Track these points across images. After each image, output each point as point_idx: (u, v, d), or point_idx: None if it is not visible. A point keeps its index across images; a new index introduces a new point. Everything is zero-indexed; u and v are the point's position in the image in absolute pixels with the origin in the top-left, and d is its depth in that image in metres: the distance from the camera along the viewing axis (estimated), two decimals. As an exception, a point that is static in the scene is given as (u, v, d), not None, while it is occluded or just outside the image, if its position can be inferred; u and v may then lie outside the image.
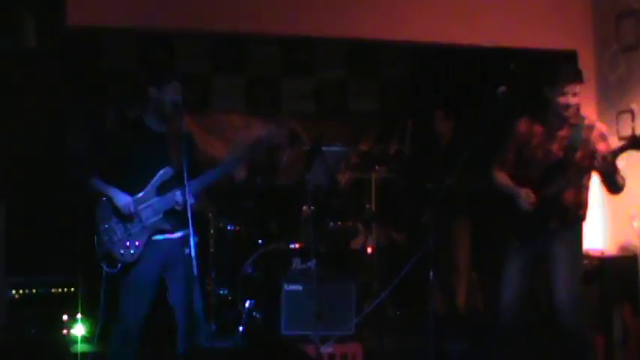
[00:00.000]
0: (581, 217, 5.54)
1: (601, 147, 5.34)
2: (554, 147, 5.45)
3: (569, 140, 5.41)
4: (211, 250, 7.28)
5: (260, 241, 7.28)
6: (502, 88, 5.40)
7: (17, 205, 6.63)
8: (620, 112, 7.43)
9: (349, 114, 8.60)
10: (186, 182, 5.04)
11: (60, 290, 6.43)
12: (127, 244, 5.25)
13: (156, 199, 5.32)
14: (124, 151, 5.33)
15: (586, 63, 7.94)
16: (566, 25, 7.98)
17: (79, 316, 6.37)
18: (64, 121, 7.10)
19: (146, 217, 5.31)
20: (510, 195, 5.46)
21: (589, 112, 7.82)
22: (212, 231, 7.29)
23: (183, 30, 7.59)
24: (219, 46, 8.33)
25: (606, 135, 5.38)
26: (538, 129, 5.53)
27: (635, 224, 6.62)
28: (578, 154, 5.35)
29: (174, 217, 5.33)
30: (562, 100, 5.34)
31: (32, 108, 6.86)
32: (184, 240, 5.22)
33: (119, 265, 5.22)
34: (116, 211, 5.27)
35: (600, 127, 5.51)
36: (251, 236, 7.42)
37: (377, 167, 7.38)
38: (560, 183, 5.34)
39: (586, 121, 5.51)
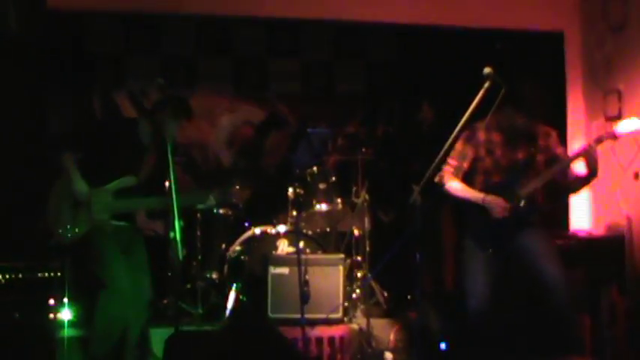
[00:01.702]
0: (541, 218, 5.68)
1: (559, 151, 5.60)
2: (519, 154, 5.58)
3: (530, 145, 5.58)
4: (198, 233, 7.27)
5: (246, 224, 7.26)
6: (488, 70, 5.41)
7: (2, 190, 6.60)
8: (607, 92, 7.41)
9: (336, 96, 8.57)
10: (171, 170, 5.08)
11: (46, 274, 6.38)
12: (68, 227, 5.41)
13: (111, 199, 5.49)
14: (98, 134, 5.41)
15: (573, 42, 7.94)
16: (552, 5, 7.95)
17: (65, 300, 6.34)
18: (46, 106, 7.07)
19: (96, 212, 5.40)
20: (476, 202, 5.52)
21: (576, 92, 7.86)
22: (198, 215, 7.27)
23: (169, 12, 7.55)
24: (204, 29, 8.29)
25: (593, 145, 5.40)
26: (496, 137, 5.62)
27: (621, 203, 6.61)
28: (540, 157, 5.56)
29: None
30: (518, 117, 5.53)
31: (14, 94, 6.81)
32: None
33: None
34: (71, 194, 5.42)
35: (555, 133, 5.66)
36: (237, 219, 7.39)
37: (363, 149, 7.35)
38: (526, 185, 5.47)
39: (542, 128, 5.65)
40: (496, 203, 5.45)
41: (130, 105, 5.83)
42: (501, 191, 5.48)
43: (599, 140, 5.35)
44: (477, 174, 5.61)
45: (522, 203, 5.44)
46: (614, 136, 5.35)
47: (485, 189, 5.53)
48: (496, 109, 5.32)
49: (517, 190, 5.45)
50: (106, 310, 5.49)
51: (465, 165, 5.64)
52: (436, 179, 5.48)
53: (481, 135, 5.55)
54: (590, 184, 5.57)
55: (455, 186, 5.62)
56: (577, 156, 5.40)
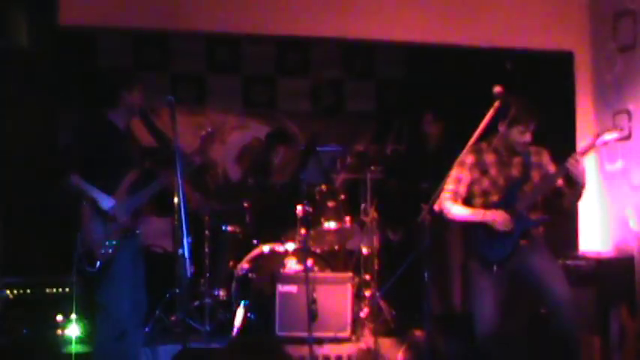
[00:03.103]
0: (542, 235, 5.66)
1: (551, 169, 5.59)
2: (514, 172, 5.60)
3: (525, 163, 5.59)
4: (206, 250, 7.27)
5: (255, 242, 7.25)
6: (497, 89, 5.45)
7: (12, 206, 6.61)
8: (617, 112, 7.41)
9: (345, 114, 8.59)
10: (180, 188, 5.09)
11: (54, 290, 6.38)
12: (107, 243, 5.38)
13: (127, 199, 5.51)
14: (98, 148, 5.44)
15: (583, 63, 7.94)
16: (562, 25, 7.95)
17: (73, 316, 6.33)
18: (57, 121, 7.09)
19: (120, 217, 5.41)
20: (479, 221, 5.53)
21: (586, 112, 7.85)
22: (207, 232, 7.28)
23: (179, 30, 7.58)
24: (215, 46, 8.31)
25: (575, 156, 5.40)
26: (490, 157, 5.62)
27: (632, 223, 6.59)
28: (535, 174, 5.57)
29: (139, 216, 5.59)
30: (520, 137, 5.52)
31: (25, 109, 6.83)
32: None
33: (98, 263, 5.34)
34: (99, 211, 5.39)
35: (546, 151, 5.67)
36: (246, 237, 7.39)
37: (372, 168, 7.35)
38: (523, 201, 5.49)
39: (533, 148, 5.66)
40: (497, 217, 5.46)
41: (142, 124, 5.85)
42: (501, 208, 5.48)
43: (583, 152, 5.38)
44: (476, 197, 5.61)
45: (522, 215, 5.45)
46: (593, 146, 5.43)
47: (486, 208, 5.54)
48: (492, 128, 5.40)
49: (515, 205, 5.46)
50: (104, 332, 5.49)
51: (462, 189, 5.63)
52: (435, 207, 5.46)
53: (472, 158, 5.55)
54: (582, 196, 5.54)
55: (455, 210, 5.60)
56: (563, 169, 5.39)
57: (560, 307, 5.45)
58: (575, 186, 5.47)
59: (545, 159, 5.61)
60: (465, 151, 5.39)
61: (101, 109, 5.68)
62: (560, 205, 5.62)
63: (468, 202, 5.64)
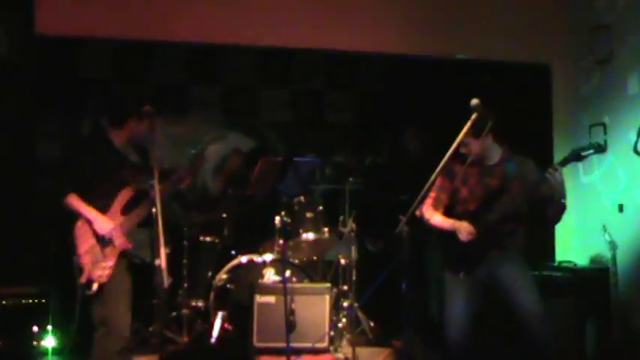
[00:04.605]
0: (519, 246, 5.67)
1: (533, 178, 5.53)
2: (494, 182, 5.63)
3: (506, 173, 5.61)
4: (184, 261, 7.27)
5: (233, 252, 7.26)
6: (475, 101, 5.49)
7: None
8: (593, 125, 7.47)
9: (325, 125, 8.59)
10: (157, 194, 5.09)
11: (30, 301, 6.37)
12: (103, 265, 5.36)
13: (122, 219, 5.48)
14: (95, 167, 5.41)
15: (560, 75, 8.01)
16: (540, 39, 8.04)
17: (49, 327, 6.32)
18: (35, 131, 7.08)
19: (116, 239, 5.40)
20: (450, 230, 5.58)
21: (563, 124, 7.91)
22: (185, 242, 7.28)
23: (159, 40, 7.59)
24: (194, 56, 8.30)
25: (555, 167, 5.42)
26: (473, 169, 5.68)
27: (607, 237, 6.64)
28: (516, 185, 5.55)
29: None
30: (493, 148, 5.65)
31: (3, 118, 6.82)
32: None
33: (95, 286, 5.31)
34: (94, 233, 5.38)
35: (531, 162, 5.66)
36: (224, 247, 7.39)
37: (351, 179, 7.38)
38: (499, 211, 5.50)
39: (518, 157, 5.69)
40: (461, 227, 5.51)
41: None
42: (473, 217, 5.52)
43: (563, 163, 5.40)
44: (457, 205, 5.66)
45: (486, 229, 5.49)
46: (579, 158, 5.44)
47: (461, 217, 5.58)
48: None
49: (486, 215, 5.50)
50: (106, 347, 5.46)
51: (443, 196, 5.71)
52: (417, 212, 5.50)
53: (458, 168, 5.58)
54: (564, 207, 5.58)
55: (431, 217, 5.68)
56: (542, 180, 5.42)
57: (530, 321, 5.46)
58: (554, 198, 5.51)
59: (529, 169, 5.60)
60: (447, 159, 5.42)
61: (101, 126, 5.65)
62: (545, 216, 5.64)
63: (450, 209, 5.69)
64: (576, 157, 5.46)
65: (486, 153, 5.66)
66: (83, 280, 5.29)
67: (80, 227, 5.36)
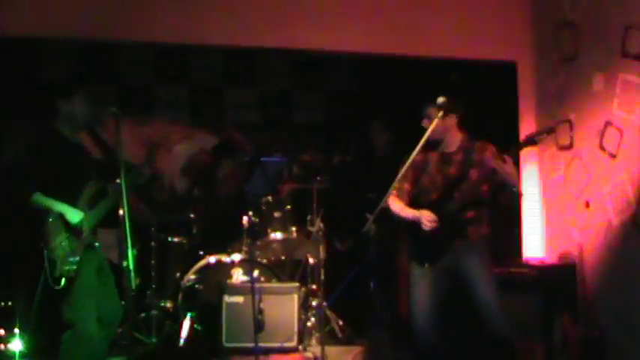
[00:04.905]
0: (483, 234, 5.69)
1: (493, 164, 5.50)
2: (452, 170, 5.66)
3: (465, 161, 5.64)
4: (152, 262, 7.24)
5: (201, 253, 7.24)
6: (441, 99, 5.54)
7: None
8: (559, 122, 7.50)
9: (292, 124, 8.59)
10: (124, 198, 5.08)
11: (-4, 305, 6.34)
12: (71, 259, 5.35)
13: (88, 213, 5.47)
14: (55, 164, 5.37)
15: (526, 73, 8.04)
16: (506, 36, 8.04)
17: (16, 330, 6.28)
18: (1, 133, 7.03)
19: (85, 231, 5.37)
20: (412, 220, 5.60)
21: (529, 121, 7.95)
22: (153, 243, 7.25)
23: (125, 40, 7.54)
24: (161, 57, 8.27)
25: (502, 156, 5.46)
26: (434, 156, 5.71)
27: (573, 233, 6.70)
28: (473, 172, 5.58)
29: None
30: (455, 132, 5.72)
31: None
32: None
33: (63, 280, 5.30)
34: (66, 226, 5.34)
35: (492, 146, 5.67)
36: (192, 248, 7.37)
37: (319, 178, 7.38)
38: (457, 199, 5.54)
39: (478, 144, 5.71)
40: (422, 217, 5.53)
41: (90, 139, 5.82)
42: (435, 207, 5.54)
43: (516, 150, 5.48)
44: (420, 194, 5.68)
45: (447, 218, 5.51)
46: (533, 142, 5.52)
47: (424, 207, 5.59)
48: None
49: (447, 204, 5.51)
50: (70, 353, 5.42)
51: (407, 186, 5.75)
52: (383, 203, 5.50)
53: (418, 156, 5.57)
54: (513, 196, 5.61)
55: (394, 206, 5.72)
56: (493, 167, 5.43)
57: (487, 315, 5.52)
58: (505, 185, 5.52)
59: (488, 155, 5.57)
60: (416, 154, 5.44)
61: (46, 120, 5.61)
62: (498, 202, 5.67)
63: (415, 199, 5.70)
64: (530, 142, 5.49)
65: (446, 136, 5.69)
66: (52, 274, 5.27)
67: (52, 222, 5.34)
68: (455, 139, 5.74)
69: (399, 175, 5.47)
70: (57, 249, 5.33)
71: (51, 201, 5.38)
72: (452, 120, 5.69)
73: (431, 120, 5.56)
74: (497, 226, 5.77)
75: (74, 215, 5.39)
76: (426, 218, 5.51)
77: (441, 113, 5.52)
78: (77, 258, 5.35)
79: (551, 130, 5.63)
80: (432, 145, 5.64)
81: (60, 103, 5.53)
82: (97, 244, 5.57)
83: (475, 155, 5.65)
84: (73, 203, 5.42)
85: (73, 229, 5.37)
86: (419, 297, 5.69)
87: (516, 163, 5.61)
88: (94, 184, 5.53)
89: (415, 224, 5.57)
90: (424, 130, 5.48)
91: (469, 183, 5.56)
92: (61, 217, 5.37)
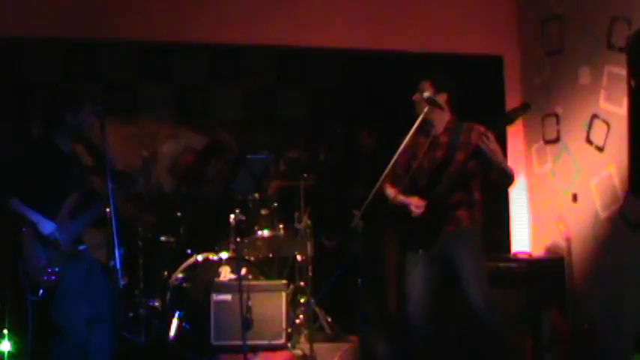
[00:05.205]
0: (475, 220, 5.67)
1: (480, 144, 5.44)
2: (438, 153, 5.66)
3: (450, 143, 5.63)
4: (140, 261, 7.21)
5: (189, 251, 7.21)
6: (427, 94, 5.54)
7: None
8: (546, 116, 7.51)
9: (278, 121, 8.55)
10: (111, 200, 5.04)
11: (-16, 306, 6.29)
12: (49, 270, 5.31)
13: (70, 223, 5.43)
14: (39, 171, 5.34)
15: (512, 67, 8.05)
16: (491, 30, 8.06)
17: (5, 331, 6.24)
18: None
19: (64, 242, 5.33)
20: (404, 206, 5.60)
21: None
22: (140, 242, 7.21)
23: (109, 38, 7.50)
24: (146, 55, 8.21)
25: (486, 133, 5.41)
26: (422, 140, 5.69)
27: (561, 226, 6.69)
28: (459, 154, 5.55)
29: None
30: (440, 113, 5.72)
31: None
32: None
33: (41, 291, 5.26)
34: (40, 236, 5.29)
35: (479, 127, 5.60)
36: (180, 246, 7.34)
37: (305, 175, 7.35)
38: (445, 183, 5.52)
39: (464, 125, 5.70)
40: (410, 202, 5.54)
41: (80, 146, 5.82)
42: (424, 192, 5.54)
43: (494, 128, 5.41)
44: (412, 180, 5.67)
45: (435, 202, 5.50)
46: (510, 119, 5.55)
47: (414, 192, 5.58)
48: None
49: (436, 189, 5.52)
50: (60, 357, 5.40)
51: (399, 171, 5.72)
52: (377, 189, 5.48)
53: (409, 141, 5.55)
54: (501, 173, 5.56)
55: (389, 192, 5.74)
56: (475, 148, 5.41)
57: (476, 309, 5.54)
58: (492, 163, 5.47)
59: (474, 136, 5.52)
60: (405, 144, 5.43)
61: (47, 131, 5.58)
62: (490, 181, 5.63)
63: (409, 186, 5.70)
64: (507, 119, 5.52)
65: (435, 116, 5.67)
66: (27, 283, 5.23)
67: (25, 232, 5.30)
68: (442, 120, 5.71)
69: (392, 161, 5.45)
70: (31, 258, 5.29)
71: (25, 208, 5.34)
72: (442, 98, 5.67)
73: (421, 94, 5.56)
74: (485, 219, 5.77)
75: (46, 226, 5.34)
76: (414, 204, 5.51)
77: (427, 108, 5.53)
78: (56, 269, 5.31)
79: (527, 107, 5.61)
80: (424, 128, 5.62)
81: (67, 115, 5.49)
82: (81, 247, 5.52)
83: (461, 137, 5.63)
84: (52, 214, 5.39)
85: (47, 240, 5.33)
86: (413, 285, 5.68)
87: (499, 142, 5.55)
88: (78, 192, 5.48)
89: (408, 211, 5.55)
90: (410, 125, 5.48)
91: (455, 165, 5.52)
92: (34, 226, 5.33)
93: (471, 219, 5.63)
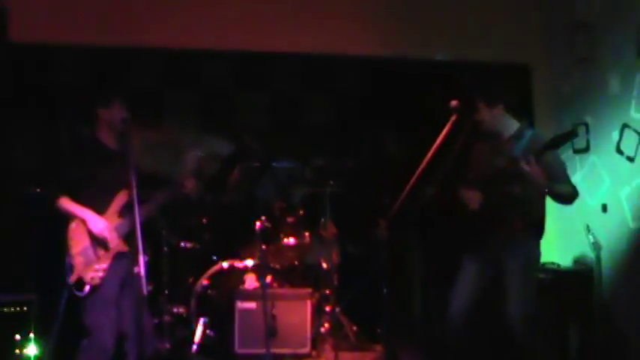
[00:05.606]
0: (535, 231, 5.55)
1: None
2: (501, 160, 5.49)
3: (515, 150, 5.47)
4: (165, 267, 7.20)
5: (214, 258, 7.21)
6: (454, 102, 5.49)
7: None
8: (575, 125, 7.44)
9: (304, 129, 8.52)
10: (135, 203, 5.02)
11: (12, 309, 6.31)
12: (96, 267, 5.34)
13: (119, 222, 5.45)
14: (87, 169, 5.36)
15: (539, 75, 7.99)
16: (519, 38, 8.01)
17: (31, 335, 6.26)
18: (11, 140, 7.01)
19: (111, 240, 5.32)
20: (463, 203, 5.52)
21: (544, 124, 7.88)
22: (165, 248, 7.21)
23: (135, 45, 7.52)
24: (172, 61, 8.22)
25: (527, 157, 5.30)
26: (485, 146, 5.66)
27: (590, 237, 6.61)
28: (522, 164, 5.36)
29: (131, 238, 5.35)
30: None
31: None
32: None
33: (87, 287, 5.28)
34: (89, 233, 5.32)
35: (543, 138, 5.48)
36: (205, 253, 7.33)
37: (331, 182, 7.32)
38: (507, 189, 5.42)
39: (531, 133, 5.61)
40: (470, 196, 5.45)
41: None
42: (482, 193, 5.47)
43: (539, 153, 5.26)
44: (468, 183, 5.62)
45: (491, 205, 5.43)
46: (557, 145, 5.31)
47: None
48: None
49: (493, 193, 5.43)
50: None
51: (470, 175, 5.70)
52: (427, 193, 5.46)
53: (467, 145, 5.58)
54: (551, 197, 5.52)
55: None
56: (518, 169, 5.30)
57: (512, 322, 5.43)
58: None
59: (537, 145, 5.34)
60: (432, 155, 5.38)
61: (85, 128, 5.61)
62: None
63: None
64: (552, 145, 5.30)
65: (498, 124, 5.61)
66: (73, 278, 5.24)
67: (74, 228, 5.36)
68: (508, 127, 5.64)
69: (446, 165, 5.42)
70: (78, 256, 5.30)
71: (76, 206, 5.38)
72: (499, 110, 5.60)
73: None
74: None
75: (97, 223, 5.36)
76: (472, 196, 5.42)
77: (454, 117, 5.48)
78: (104, 266, 5.34)
79: (574, 134, 5.44)
80: (483, 135, 5.61)
81: (100, 111, 5.53)
82: (126, 249, 5.49)
83: (526, 145, 5.46)
84: (100, 211, 5.40)
85: (96, 238, 5.34)
86: (459, 285, 5.60)
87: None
88: (128, 191, 5.46)
89: (468, 215, 5.48)
90: (437, 131, 5.43)
91: (517, 173, 5.36)
92: (84, 224, 5.34)
93: (530, 230, 5.53)
